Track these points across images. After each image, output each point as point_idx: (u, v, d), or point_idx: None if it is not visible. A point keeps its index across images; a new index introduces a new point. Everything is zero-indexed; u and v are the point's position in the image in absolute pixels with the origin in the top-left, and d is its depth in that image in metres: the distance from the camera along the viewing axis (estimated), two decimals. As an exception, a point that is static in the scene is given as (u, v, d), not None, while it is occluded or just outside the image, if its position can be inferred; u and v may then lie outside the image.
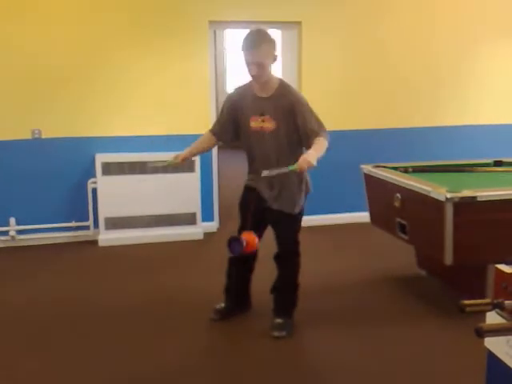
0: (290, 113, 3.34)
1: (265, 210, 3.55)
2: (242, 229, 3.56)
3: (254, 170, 3.56)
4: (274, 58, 3.31)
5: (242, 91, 3.54)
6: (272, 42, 3.29)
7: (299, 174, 3.43)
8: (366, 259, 5.00)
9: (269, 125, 3.37)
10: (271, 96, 3.38)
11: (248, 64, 3.27)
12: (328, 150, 3.35)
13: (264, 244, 3.65)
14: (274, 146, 3.40)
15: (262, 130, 3.40)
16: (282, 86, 3.41)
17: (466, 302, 1.68)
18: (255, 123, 3.42)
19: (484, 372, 1.92)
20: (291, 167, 3.18)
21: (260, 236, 3.68)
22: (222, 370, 3.22)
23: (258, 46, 3.22)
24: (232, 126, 3.57)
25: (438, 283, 4.36)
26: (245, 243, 3.30)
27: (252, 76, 3.33)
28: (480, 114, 6.39)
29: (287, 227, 3.59)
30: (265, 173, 3.20)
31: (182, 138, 5.64)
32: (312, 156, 3.19)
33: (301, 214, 3.62)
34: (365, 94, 6.04)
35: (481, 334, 1.57)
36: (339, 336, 3.59)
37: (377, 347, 3.45)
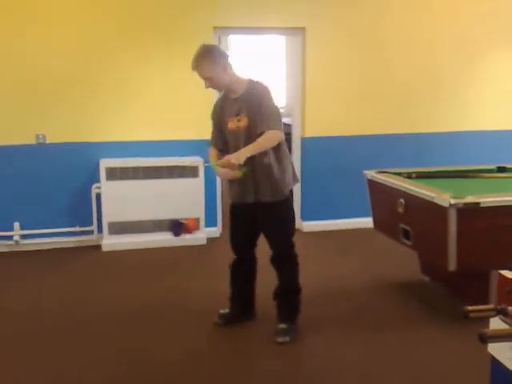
0: (257, 107, 3.40)
1: (251, 216, 3.58)
2: (231, 237, 3.73)
3: None
4: (223, 66, 3.43)
5: (222, 97, 3.66)
6: (213, 56, 3.42)
7: (264, 166, 3.43)
8: (368, 265, 5.00)
9: (243, 123, 3.45)
10: (241, 96, 3.48)
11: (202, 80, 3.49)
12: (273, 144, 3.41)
13: (266, 251, 3.67)
14: (244, 143, 3.42)
15: (238, 130, 3.47)
16: (251, 84, 3.50)
17: (470, 307, 1.68)
18: (232, 123, 3.50)
19: (487, 378, 1.92)
20: (213, 163, 3.43)
21: (255, 243, 3.75)
22: (226, 374, 3.21)
23: (199, 65, 3.42)
24: (221, 133, 3.63)
25: (441, 289, 4.35)
26: (185, 225, 3.37)
27: (208, 87, 3.53)
28: (483, 119, 6.39)
29: (273, 223, 3.57)
30: (206, 164, 3.39)
31: (185, 144, 5.67)
32: (238, 155, 3.26)
33: (287, 213, 3.62)
34: (368, 99, 6.05)
35: (484, 339, 1.57)
36: (342, 341, 3.59)
37: (380, 352, 3.44)
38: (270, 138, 3.34)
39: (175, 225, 3.44)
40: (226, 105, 3.57)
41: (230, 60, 3.51)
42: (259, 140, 3.32)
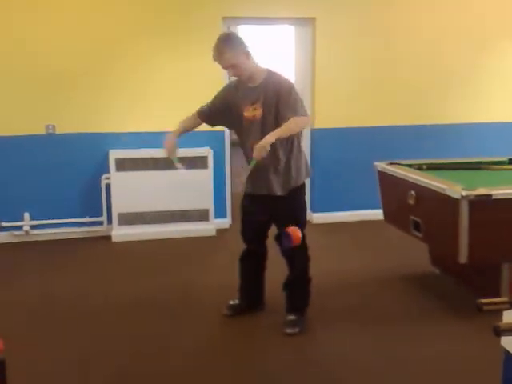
0: (276, 99, 3.39)
1: (263, 207, 3.57)
2: (242, 228, 3.73)
3: (246, 158, 3.60)
4: (246, 54, 3.42)
5: (237, 83, 3.61)
6: (236, 43, 3.41)
7: (279, 160, 3.44)
8: (378, 257, 4.98)
9: (258, 112, 3.43)
10: (260, 84, 3.46)
11: (224, 68, 3.46)
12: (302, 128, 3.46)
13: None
14: (260, 132, 3.42)
15: (254, 118, 3.46)
16: (270, 74, 3.49)
17: (484, 300, 1.66)
18: (248, 112, 3.48)
19: (499, 371, 1.90)
20: (252, 163, 3.32)
21: (266, 235, 3.74)
22: (235, 365, 3.22)
23: (222, 53, 3.38)
24: (221, 115, 3.62)
25: (451, 282, 4.33)
26: (292, 237, 3.35)
27: (233, 76, 3.51)
28: (494, 111, 6.33)
29: (285, 216, 3.55)
30: (245, 187, 3.54)
31: (195, 134, 5.60)
32: (265, 140, 3.24)
33: (299, 204, 3.62)
34: (379, 90, 6.00)
35: (498, 332, 1.55)
36: (352, 333, 3.58)
37: (389, 345, 3.43)
38: (297, 123, 3.35)
39: (282, 235, 3.41)
40: (240, 92, 3.53)
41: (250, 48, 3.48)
42: (286, 124, 3.30)
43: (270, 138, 3.26)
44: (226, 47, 3.37)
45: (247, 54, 3.42)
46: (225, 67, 3.43)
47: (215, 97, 3.68)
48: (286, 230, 3.36)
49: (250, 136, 3.47)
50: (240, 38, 3.47)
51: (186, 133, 3.70)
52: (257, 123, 3.44)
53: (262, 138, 3.36)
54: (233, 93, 3.57)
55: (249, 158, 3.46)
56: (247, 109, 3.47)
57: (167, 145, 3.55)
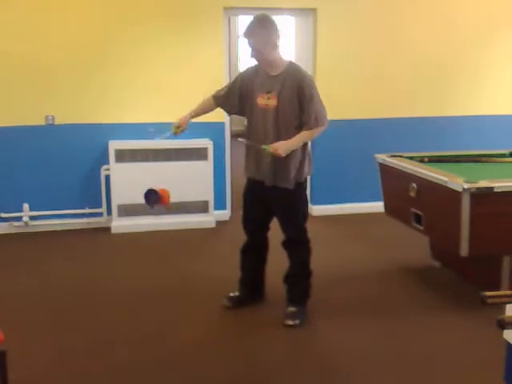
0: (296, 91, 3.38)
1: (264, 198, 3.57)
2: (244, 219, 3.71)
3: (250, 151, 3.59)
4: (274, 44, 3.39)
5: (255, 69, 3.59)
6: (269, 30, 3.37)
7: (292, 152, 3.44)
8: (378, 249, 4.97)
9: (273, 102, 3.41)
10: (279, 74, 3.44)
11: (249, 48, 3.43)
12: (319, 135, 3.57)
13: (278, 234, 3.65)
14: (273, 123, 3.43)
15: (267, 107, 3.44)
16: (291, 66, 3.48)
17: (488, 293, 1.65)
18: (262, 100, 3.46)
19: (502, 364, 1.90)
20: (265, 146, 3.35)
21: (267, 227, 3.73)
22: (235, 357, 3.21)
23: (254, 34, 3.35)
24: (237, 100, 3.60)
25: (451, 274, 4.32)
26: (159, 196, 3.42)
27: (253, 58, 3.48)
28: (496, 104, 6.30)
29: (287, 209, 3.56)
30: (242, 139, 3.48)
31: (195, 125, 5.58)
32: (285, 145, 3.34)
33: (302, 198, 3.61)
34: (381, 82, 5.97)
35: (503, 325, 1.55)
36: (352, 325, 3.58)
37: (389, 338, 3.43)
38: (313, 135, 3.48)
39: (150, 192, 3.42)
40: (258, 78, 3.51)
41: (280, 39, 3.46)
42: (305, 135, 3.42)
43: (288, 147, 3.34)
44: (259, 30, 3.35)
45: (275, 45, 3.40)
46: (249, 46, 3.40)
47: (233, 81, 3.66)
48: (158, 190, 3.42)
49: (262, 125, 3.46)
50: (275, 26, 3.41)
51: (198, 116, 3.68)
52: (270, 113, 3.43)
53: (274, 128, 3.40)
54: (252, 77, 3.54)
55: (257, 151, 3.46)
56: (262, 96, 3.45)
57: (180, 120, 3.57)
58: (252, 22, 3.37)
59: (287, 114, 3.40)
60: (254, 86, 3.50)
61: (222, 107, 3.71)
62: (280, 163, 3.42)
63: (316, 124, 3.41)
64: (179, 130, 3.56)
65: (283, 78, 3.41)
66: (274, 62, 3.43)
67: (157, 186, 3.49)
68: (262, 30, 3.34)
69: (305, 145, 3.52)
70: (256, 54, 3.39)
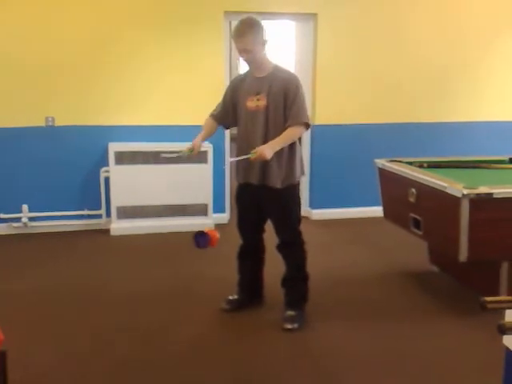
0: (282, 91, 3.42)
1: (256, 200, 3.58)
2: (238, 223, 3.72)
3: (240, 149, 3.59)
4: (263, 43, 3.45)
5: (243, 75, 3.65)
6: (259, 29, 3.42)
7: (279, 151, 3.44)
8: (377, 254, 4.98)
9: (263, 102, 3.45)
10: (267, 75, 3.49)
11: (239, 51, 3.46)
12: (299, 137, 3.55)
13: (275, 238, 3.66)
14: (263, 123, 3.45)
15: (257, 109, 3.47)
16: (277, 67, 3.54)
17: (488, 298, 1.66)
18: (251, 103, 3.49)
19: (501, 370, 1.90)
20: (250, 154, 3.34)
21: (262, 229, 3.74)
22: (233, 360, 3.22)
23: (244, 35, 3.39)
24: (232, 110, 3.63)
25: (449, 280, 4.33)
26: (209, 238, 3.41)
27: (244, 61, 3.52)
28: (495, 110, 6.33)
29: (279, 210, 3.57)
30: (231, 159, 3.45)
31: (195, 129, 5.57)
32: (269, 148, 3.34)
33: (294, 200, 3.62)
34: (381, 88, 5.99)
35: (503, 330, 1.55)
36: (350, 330, 3.58)
37: (387, 341, 3.43)
38: (295, 133, 3.45)
39: (199, 235, 3.42)
40: (246, 83, 3.55)
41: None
42: (287, 133, 3.40)
43: (273, 148, 3.34)
44: (249, 31, 3.38)
45: (264, 44, 3.45)
46: (240, 50, 3.42)
47: (224, 94, 3.70)
48: (205, 231, 3.42)
49: (251, 126, 3.48)
50: (262, 26, 3.46)
51: (208, 137, 3.73)
52: (260, 114, 3.45)
53: (264, 128, 3.42)
54: (239, 85, 3.60)
55: (247, 149, 3.46)
56: (251, 99, 3.48)
57: (194, 144, 3.57)
58: (241, 24, 3.41)
59: (277, 113, 3.43)
60: (242, 92, 3.54)
61: (222, 124, 3.73)
62: (266, 162, 3.42)
63: (296, 121, 3.40)
64: (193, 152, 3.56)
65: (271, 78, 3.46)
66: (262, 62, 3.49)
67: (204, 228, 3.49)
68: (253, 30, 3.39)
69: (293, 146, 3.50)
70: (247, 55, 3.43)
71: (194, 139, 3.60)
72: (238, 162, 3.57)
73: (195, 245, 3.45)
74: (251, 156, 3.33)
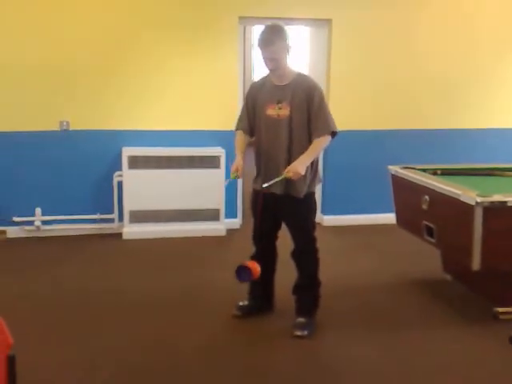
0: (306, 99, 3.39)
1: (274, 207, 3.54)
2: (254, 231, 3.67)
3: (261, 163, 3.56)
4: (288, 50, 3.41)
5: (262, 81, 3.61)
6: (286, 37, 3.38)
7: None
8: (389, 261, 4.95)
9: (285, 111, 3.41)
10: (289, 83, 3.44)
11: (264, 59, 3.40)
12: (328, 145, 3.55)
13: (287, 244, 3.65)
14: (286, 134, 3.42)
15: (279, 118, 3.43)
16: (300, 75, 3.50)
17: (500, 309, 1.64)
18: (272, 111, 3.46)
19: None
20: (282, 176, 3.34)
21: (276, 236, 3.73)
22: (243, 366, 3.21)
23: (272, 43, 3.33)
24: (252, 117, 3.61)
25: (463, 288, 4.29)
26: (251, 272, 3.41)
27: (269, 69, 3.46)
28: (509, 117, 6.27)
29: (298, 218, 3.55)
30: (265, 185, 3.38)
31: (209, 134, 5.67)
32: (302, 164, 3.33)
33: (312, 208, 3.61)
34: (393, 94, 5.97)
35: (515, 342, 1.53)
36: (361, 337, 3.55)
37: (398, 350, 3.40)
38: (323, 144, 3.45)
39: (241, 269, 3.44)
40: (265, 90, 3.51)
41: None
42: (316, 146, 3.40)
43: (305, 163, 3.33)
44: (277, 39, 3.33)
45: (289, 51, 3.41)
46: (267, 58, 3.37)
47: (245, 103, 3.67)
48: (247, 265, 3.41)
49: (273, 137, 3.45)
50: (288, 32, 3.42)
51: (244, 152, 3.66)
52: (283, 124, 3.42)
53: (288, 138, 3.40)
54: (258, 91, 3.56)
55: (269, 161, 3.44)
56: (272, 107, 3.45)
57: (237, 165, 3.50)
58: (268, 32, 3.36)
59: (300, 122, 3.40)
60: (262, 99, 3.50)
61: (250, 133, 3.64)
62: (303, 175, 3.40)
63: (324, 131, 3.39)
64: (238, 173, 3.52)
65: (293, 87, 3.41)
66: (285, 70, 3.45)
67: (245, 262, 3.49)
68: (281, 38, 3.34)
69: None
70: (273, 63, 3.37)
71: (235, 161, 3.53)
72: (259, 169, 3.56)
73: (237, 278, 3.46)
74: (285, 176, 3.32)
